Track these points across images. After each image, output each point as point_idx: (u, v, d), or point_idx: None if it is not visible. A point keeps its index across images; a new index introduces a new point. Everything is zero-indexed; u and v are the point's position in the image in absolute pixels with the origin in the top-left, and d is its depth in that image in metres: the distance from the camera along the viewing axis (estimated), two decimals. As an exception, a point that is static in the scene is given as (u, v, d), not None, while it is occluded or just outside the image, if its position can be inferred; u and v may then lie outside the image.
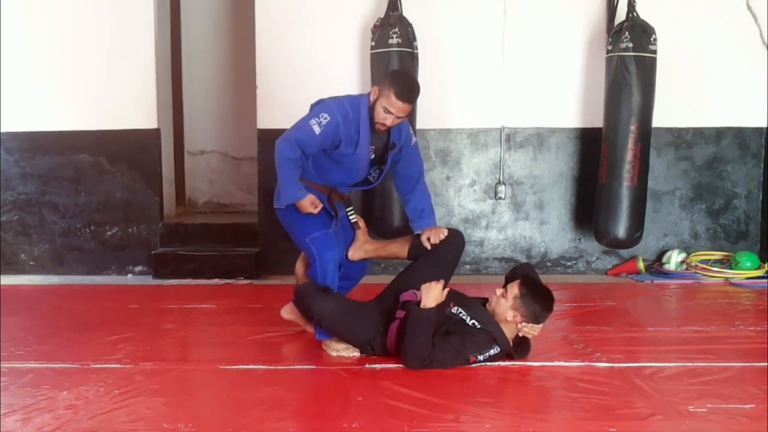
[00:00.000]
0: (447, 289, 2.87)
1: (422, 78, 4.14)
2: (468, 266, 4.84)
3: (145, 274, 4.86)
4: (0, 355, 2.96)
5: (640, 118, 4.30)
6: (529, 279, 2.87)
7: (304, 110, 3.08)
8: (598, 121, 4.55)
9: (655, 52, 4.29)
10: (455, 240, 3.11)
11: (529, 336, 2.89)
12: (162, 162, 4.94)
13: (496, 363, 2.82)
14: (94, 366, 2.84)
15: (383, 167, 3.15)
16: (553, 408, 2.49)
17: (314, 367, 2.88)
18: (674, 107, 4.64)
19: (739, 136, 4.79)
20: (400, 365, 2.79)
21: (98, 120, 4.79)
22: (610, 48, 4.37)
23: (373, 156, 3.09)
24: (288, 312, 3.28)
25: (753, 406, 2.41)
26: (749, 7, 4.63)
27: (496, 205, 4.86)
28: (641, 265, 4.73)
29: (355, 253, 3.24)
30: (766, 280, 4.40)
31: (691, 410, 2.36)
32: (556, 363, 2.87)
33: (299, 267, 3.35)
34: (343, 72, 4.65)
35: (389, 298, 3.02)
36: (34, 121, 4.84)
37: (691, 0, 4.65)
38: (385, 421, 2.28)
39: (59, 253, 4.92)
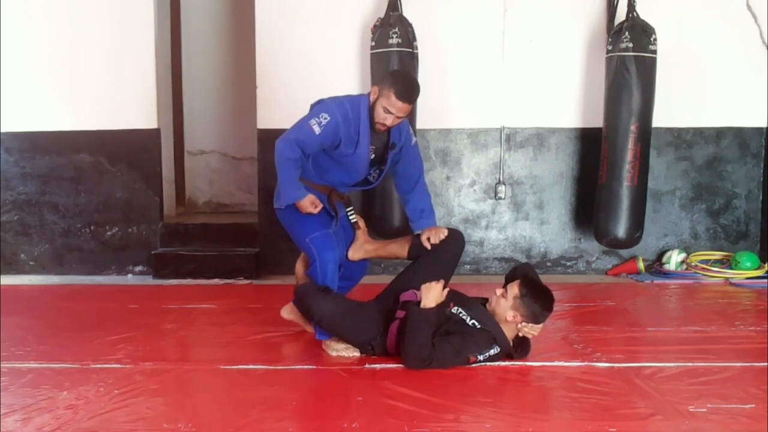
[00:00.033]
0: (447, 289, 2.87)
1: (422, 78, 4.14)
2: (468, 266, 4.84)
3: (145, 274, 4.86)
4: (0, 355, 2.96)
5: (640, 118, 4.31)
6: (529, 279, 2.87)
7: (304, 110, 3.08)
8: (598, 121, 4.55)
9: (655, 52, 4.29)
10: (455, 240, 3.11)
11: (529, 336, 2.89)
12: (162, 162, 4.94)
13: (496, 363, 2.82)
14: (94, 366, 2.84)
15: (383, 167, 3.15)
16: (553, 408, 2.49)
17: (314, 367, 2.88)
18: (674, 107, 4.64)
19: (739, 136, 4.79)
20: (400, 365, 2.78)
21: (98, 120, 4.80)
22: (610, 48, 4.37)
23: (373, 156, 3.09)
24: (288, 312, 3.28)
25: (753, 406, 2.41)
26: (749, 7, 4.63)
27: (496, 205, 4.86)
28: (641, 265, 4.73)
29: (355, 253, 3.24)
30: (766, 280, 4.40)
31: (691, 410, 2.36)
32: (556, 363, 2.87)
33: (299, 267, 3.35)
34: (343, 72, 4.65)
35: (389, 298, 3.02)
36: (34, 121, 4.84)
37: (691, 0, 4.65)
38: (385, 421, 2.28)
39: (59, 253, 4.92)
